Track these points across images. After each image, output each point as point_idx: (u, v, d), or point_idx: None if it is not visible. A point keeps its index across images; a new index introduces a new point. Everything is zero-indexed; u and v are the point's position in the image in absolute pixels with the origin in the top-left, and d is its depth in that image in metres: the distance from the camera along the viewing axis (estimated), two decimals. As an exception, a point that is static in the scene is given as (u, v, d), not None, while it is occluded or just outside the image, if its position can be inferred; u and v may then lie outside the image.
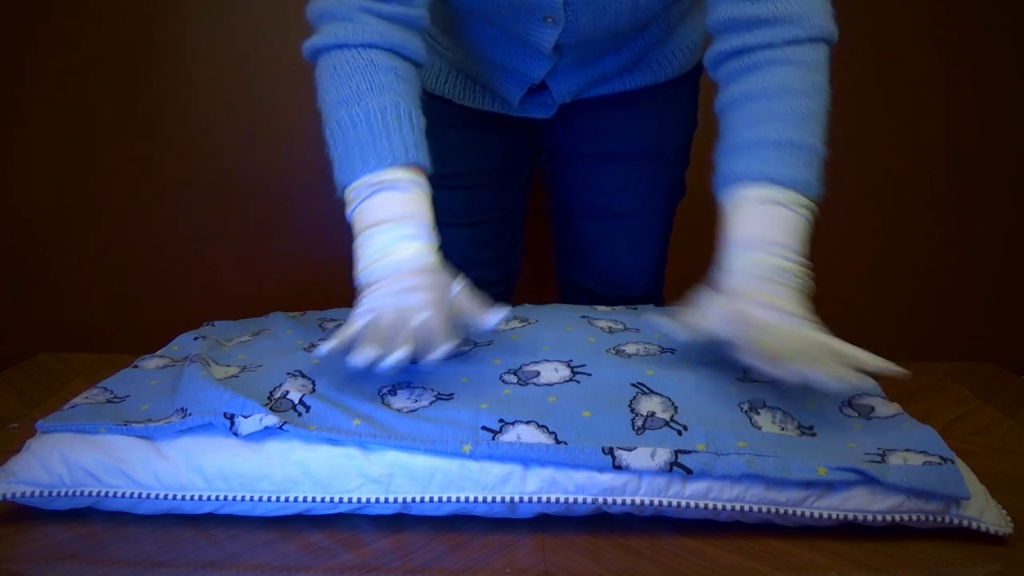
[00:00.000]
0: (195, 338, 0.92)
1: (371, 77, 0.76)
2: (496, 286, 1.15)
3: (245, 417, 0.64)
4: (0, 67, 1.40)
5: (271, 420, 0.63)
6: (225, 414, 0.64)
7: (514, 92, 1.00)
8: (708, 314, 0.73)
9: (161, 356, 0.87)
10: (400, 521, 0.66)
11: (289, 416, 0.65)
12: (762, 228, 0.74)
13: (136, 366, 0.84)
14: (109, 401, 0.73)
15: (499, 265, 1.15)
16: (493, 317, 0.72)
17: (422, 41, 0.82)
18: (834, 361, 0.64)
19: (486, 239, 1.12)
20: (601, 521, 0.65)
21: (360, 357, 0.63)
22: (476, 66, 1.00)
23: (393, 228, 0.73)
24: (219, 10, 1.39)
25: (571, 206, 1.14)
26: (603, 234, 1.11)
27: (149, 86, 1.42)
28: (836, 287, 1.52)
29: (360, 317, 0.68)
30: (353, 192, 0.75)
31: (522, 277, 1.23)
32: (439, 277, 0.72)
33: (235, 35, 1.40)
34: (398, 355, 0.63)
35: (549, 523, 0.66)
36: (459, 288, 0.73)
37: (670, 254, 1.16)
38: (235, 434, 0.64)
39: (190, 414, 0.65)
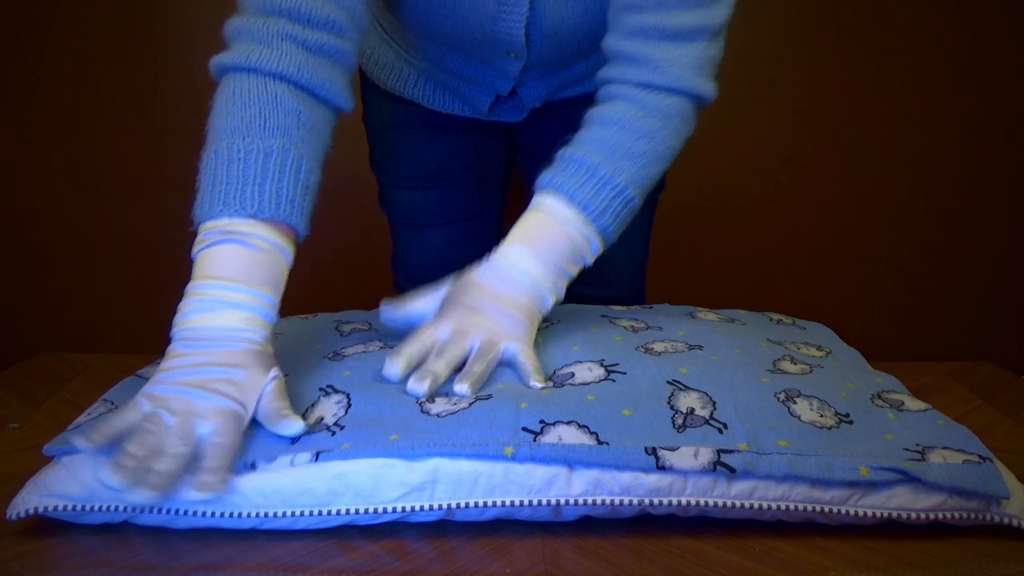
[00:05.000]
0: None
1: (267, 115, 0.68)
2: None
3: (268, 462, 0.63)
4: (6, 69, 1.40)
5: (304, 458, 0.62)
6: (245, 464, 0.63)
7: (483, 100, 1.00)
8: (428, 295, 0.77)
9: None
10: (399, 526, 0.66)
11: (321, 439, 0.64)
12: (523, 229, 0.77)
13: (138, 375, 0.82)
14: (110, 411, 0.71)
15: None
16: (290, 428, 0.63)
17: (348, 77, 0.75)
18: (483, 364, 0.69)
19: (461, 239, 1.11)
20: (601, 521, 0.66)
21: (109, 477, 0.55)
22: (443, 76, 1.00)
23: (226, 288, 0.65)
24: (222, 7, 1.39)
25: None
26: None
27: (151, 87, 1.42)
28: (836, 287, 1.52)
29: (140, 404, 0.60)
30: (203, 233, 0.67)
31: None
32: (251, 369, 0.63)
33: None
34: (140, 496, 0.55)
35: (549, 524, 0.66)
36: (272, 381, 0.65)
37: (655, 250, 1.16)
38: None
39: None
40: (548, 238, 0.76)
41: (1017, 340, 1.53)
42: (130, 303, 1.49)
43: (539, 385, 0.69)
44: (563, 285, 0.77)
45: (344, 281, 1.48)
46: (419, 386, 0.67)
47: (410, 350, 0.70)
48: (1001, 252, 1.51)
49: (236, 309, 0.64)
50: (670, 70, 0.77)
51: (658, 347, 0.79)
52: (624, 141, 0.78)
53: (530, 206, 0.79)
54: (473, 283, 0.75)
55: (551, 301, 0.77)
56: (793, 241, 1.50)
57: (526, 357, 0.71)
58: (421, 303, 0.78)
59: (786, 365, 0.79)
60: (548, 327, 0.86)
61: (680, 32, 0.76)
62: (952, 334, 1.54)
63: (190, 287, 0.66)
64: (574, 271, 0.78)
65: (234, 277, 0.65)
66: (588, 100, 1.02)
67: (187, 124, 1.46)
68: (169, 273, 1.52)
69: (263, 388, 0.64)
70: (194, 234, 0.69)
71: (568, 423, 0.64)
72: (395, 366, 0.69)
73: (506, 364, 0.73)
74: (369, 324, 0.92)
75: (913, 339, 1.54)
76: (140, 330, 1.49)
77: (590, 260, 0.79)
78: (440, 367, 0.69)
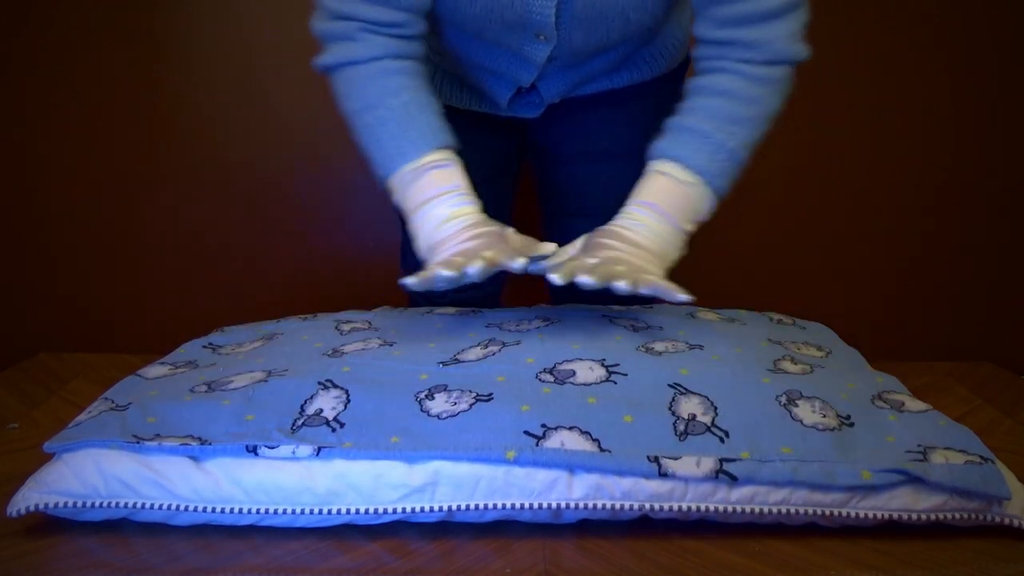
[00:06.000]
0: (203, 346, 0.91)
1: (384, 82, 0.85)
2: (483, 286, 1.14)
3: (271, 448, 0.64)
4: (5, 69, 1.40)
5: (305, 451, 0.63)
6: (247, 447, 0.64)
7: (503, 94, 1.01)
8: (567, 248, 0.87)
9: (163, 364, 0.86)
10: (399, 525, 0.66)
11: (322, 433, 0.65)
12: (647, 192, 0.86)
13: (138, 375, 0.83)
14: (112, 410, 0.72)
15: None
16: (547, 247, 0.85)
17: (423, 42, 0.89)
18: (632, 276, 0.76)
19: None
20: (601, 522, 0.65)
21: (444, 275, 0.75)
22: (464, 69, 1.01)
23: (443, 200, 0.84)
24: (222, 6, 1.39)
25: (561, 206, 1.15)
26: None
27: (151, 85, 1.42)
28: (836, 287, 1.52)
29: (437, 264, 0.79)
30: (397, 180, 0.86)
31: (509, 278, 1.23)
32: (493, 226, 0.84)
33: (240, 27, 1.39)
34: (477, 265, 0.74)
35: (549, 524, 0.66)
36: (511, 232, 0.85)
37: None
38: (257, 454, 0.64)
39: (209, 442, 0.64)
40: (670, 200, 0.84)
41: (1017, 340, 1.53)
42: (130, 303, 1.49)
43: (686, 297, 0.76)
44: (685, 240, 0.86)
45: (344, 281, 1.48)
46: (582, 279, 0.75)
47: (558, 259, 0.81)
48: (1001, 252, 1.51)
49: (458, 207, 0.85)
50: (770, 47, 0.82)
51: (658, 347, 0.79)
52: (733, 109, 0.84)
53: (651, 170, 0.86)
54: (608, 233, 0.84)
55: (676, 255, 0.85)
56: (793, 241, 1.50)
57: (667, 285, 0.77)
58: (562, 251, 0.86)
59: (787, 365, 0.79)
60: (549, 325, 0.86)
61: (772, 11, 0.81)
62: (952, 334, 1.54)
63: (416, 214, 0.85)
64: (693, 228, 0.86)
65: (452, 188, 0.85)
66: (601, 100, 1.04)
67: (187, 124, 1.46)
68: (169, 273, 1.53)
69: (506, 233, 0.84)
70: (383, 190, 0.88)
71: (570, 428, 0.64)
72: (541, 265, 0.79)
73: (649, 294, 0.77)
74: (369, 323, 0.92)
75: (913, 339, 1.54)
76: (140, 330, 1.49)
77: (706, 217, 0.86)
78: (588, 269, 0.76)
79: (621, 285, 0.75)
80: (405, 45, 0.87)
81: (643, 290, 0.76)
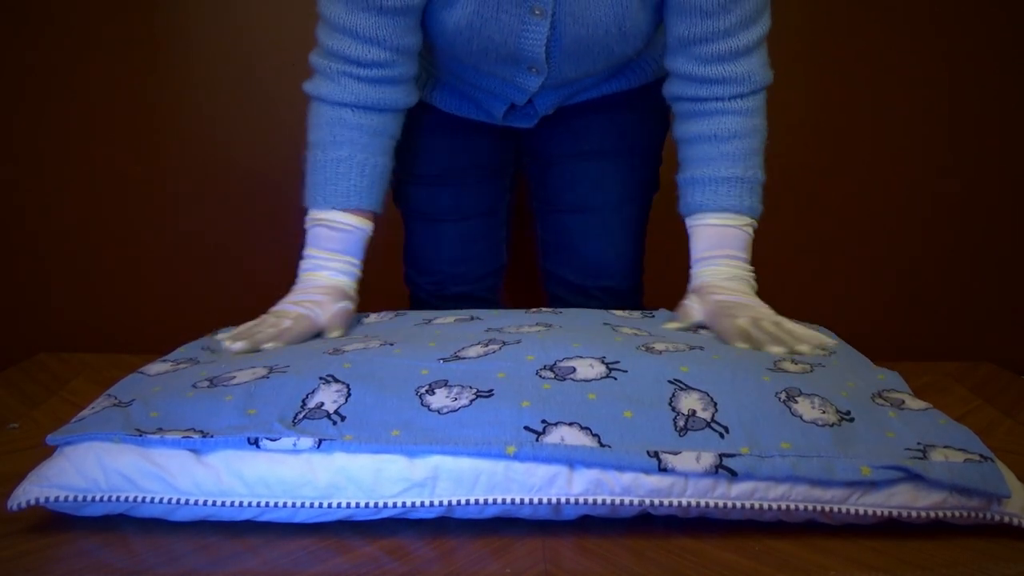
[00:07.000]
0: (203, 348, 0.92)
1: (336, 131, 0.93)
2: (485, 280, 1.21)
3: (272, 440, 0.64)
4: (2, 65, 1.40)
5: (306, 443, 0.64)
6: (249, 439, 0.64)
7: (498, 108, 1.06)
8: (691, 310, 0.94)
9: (164, 361, 0.86)
10: (398, 526, 0.66)
11: (323, 426, 0.65)
12: (717, 245, 0.96)
13: (141, 372, 0.83)
14: (114, 406, 0.72)
15: (487, 260, 1.21)
16: (333, 333, 0.90)
17: (406, 87, 0.95)
18: (773, 331, 0.86)
19: (474, 234, 1.18)
20: (601, 521, 0.65)
21: (228, 345, 0.85)
22: (460, 86, 1.06)
23: (313, 257, 0.95)
24: (221, 6, 1.39)
25: (552, 203, 1.19)
26: (583, 227, 1.17)
27: (150, 85, 1.42)
28: (837, 287, 1.52)
29: (264, 316, 0.91)
30: (307, 216, 0.96)
31: (508, 273, 1.25)
32: (329, 299, 0.92)
33: (240, 27, 1.39)
34: (236, 346, 0.84)
35: (549, 523, 0.66)
36: (342, 308, 0.92)
37: (652, 246, 1.19)
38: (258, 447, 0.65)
39: (211, 435, 0.65)
40: (730, 243, 0.96)
41: (1017, 340, 1.53)
42: (130, 303, 1.49)
43: (833, 343, 0.87)
44: (750, 266, 0.97)
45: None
46: (775, 351, 0.83)
47: (747, 337, 0.85)
48: (1001, 252, 1.51)
49: (325, 270, 0.94)
50: (753, 78, 0.93)
51: (659, 346, 0.79)
52: (745, 145, 0.95)
53: (706, 223, 0.96)
54: (714, 289, 0.93)
55: (754, 281, 0.96)
56: (793, 241, 1.50)
57: (818, 338, 0.87)
58: (692, 317, 0.94)
59: (787, 365, 0.79)
60: (550, 329, 0.86)
61: (747, 47, 0.92)
62: (952, 334, 1.54)
63: (304, 252, 0.96)
64: (750, 253, 0.97)
65: (324, 249, 0.95)
66: (592, 106, 1.10)
67: (186, 124, 1.46)
68: (168, 273, 1.53)
69: (333, 309, 0.92)
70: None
71: (570, 424, 0.64)
72: (743, 344, 0.84)
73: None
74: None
75: (913, 339, 1.54)
76: (140, 330, 1.49)
77: (753, 232, 0.98)
78: (783, 335, 0.85)
79: (803, 348, 0.83)
80: (381, 93, 0.92)
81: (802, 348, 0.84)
